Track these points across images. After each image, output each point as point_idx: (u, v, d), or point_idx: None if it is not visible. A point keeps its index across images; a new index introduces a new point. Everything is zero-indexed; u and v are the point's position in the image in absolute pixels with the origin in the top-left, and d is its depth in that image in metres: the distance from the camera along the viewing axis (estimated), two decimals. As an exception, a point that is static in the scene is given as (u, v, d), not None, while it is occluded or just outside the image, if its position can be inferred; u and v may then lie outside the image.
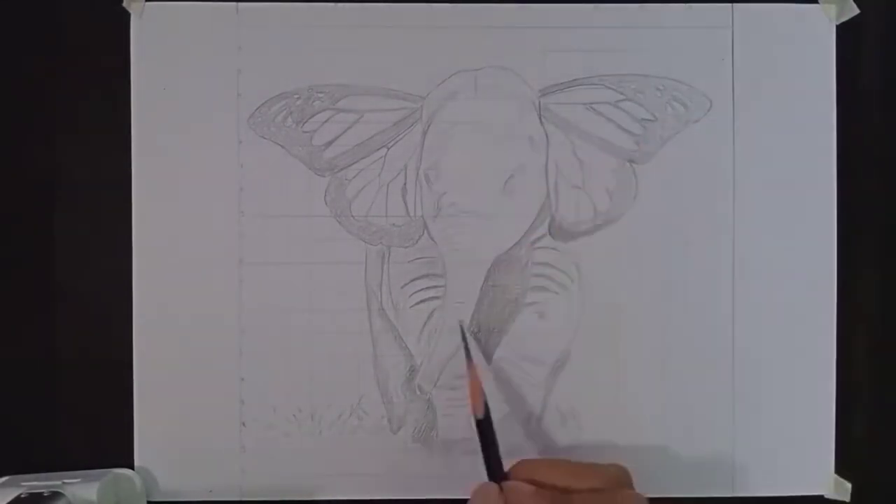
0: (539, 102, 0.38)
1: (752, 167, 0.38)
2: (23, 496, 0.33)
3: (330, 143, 0.38)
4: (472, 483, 0.33)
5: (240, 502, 0.37)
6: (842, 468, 0.38)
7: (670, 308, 0.38)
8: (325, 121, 0.38)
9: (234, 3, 0.38)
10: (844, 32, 0.38)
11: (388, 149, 0.38)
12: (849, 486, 0.37)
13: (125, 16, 0.37)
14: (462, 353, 0.36)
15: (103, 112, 0.37)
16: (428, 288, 0.38)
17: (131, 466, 0.37)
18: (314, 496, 0.37)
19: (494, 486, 0.32)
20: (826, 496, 0.38)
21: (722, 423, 0.38)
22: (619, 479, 0.33)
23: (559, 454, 0.37)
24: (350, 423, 0.38)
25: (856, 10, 0.38)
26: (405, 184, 0.38)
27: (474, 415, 0.34)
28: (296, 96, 0.38)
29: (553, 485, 0.32)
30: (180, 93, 0.37)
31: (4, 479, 0.36)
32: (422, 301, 0.38)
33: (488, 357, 0.38)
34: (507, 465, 0.33)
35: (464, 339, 0.36)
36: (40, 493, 0.33)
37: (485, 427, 0.34)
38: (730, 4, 0.38)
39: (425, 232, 0.38)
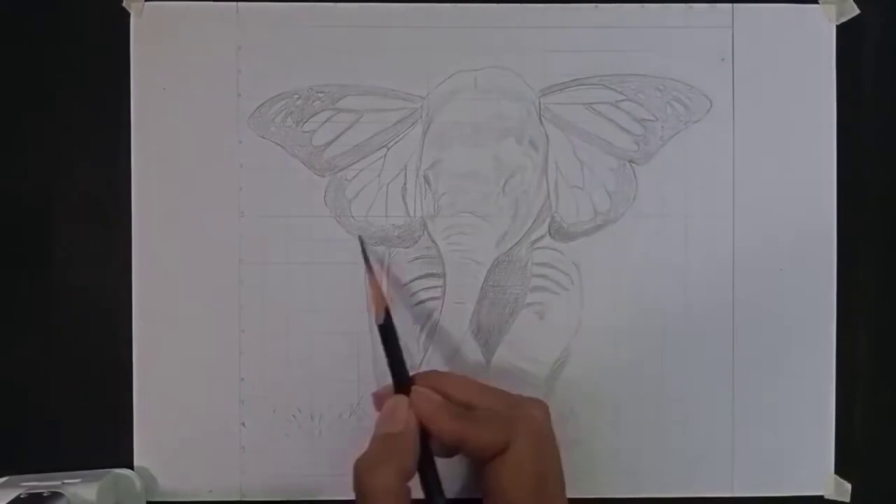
0: (539, 102, 0.38)
1: (752, 167, 0.38)
2: (23, 496, 0.33)
3: (330, 143, 0.38)
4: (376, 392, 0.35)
5: (240, 502, 0.37)
6: (841, 468, 0.38)
7: (670, 308, 0.38)
8: (325, 121, 0.38)
9: (234, 3, 0.38)
10: (844, 32, 0.38)
11: (388, 149, 0.38)
12: (849, 486, 0.37)
13: (125, 16, 0.37)
14: (462, 354, 0.37)
15: (103, 112, 0.38)
16: (428, 288, 0.38)
17: (131, 466, 0.37)
18: (314, 496, 0.37)
19: (404, 398, 0.33)
20: (826, 496, 0.38)
21: (722, 423, 0.38)
22: (523, 405, 0.33)
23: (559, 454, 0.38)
24: (350, 423, 0.38)
25: (856, 10, 0.38)
26: (405, 184, 0.38)
27: (376, 321, 0.34)
28: (296, 96, 0.38)
29: (457, 398, 0.33)
30: (180, 93, 0.37)
31: (4, 479, 0.36)
32: (422, 301, 0.38)
33: (488, 357, 0.38)
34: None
35: (363, 248, 0.36)
36: (40, 494, 0.33)
37: (388, 333, 0.34)
38: (730, 4, 0.38)
39: (425, 232, 0.38)
